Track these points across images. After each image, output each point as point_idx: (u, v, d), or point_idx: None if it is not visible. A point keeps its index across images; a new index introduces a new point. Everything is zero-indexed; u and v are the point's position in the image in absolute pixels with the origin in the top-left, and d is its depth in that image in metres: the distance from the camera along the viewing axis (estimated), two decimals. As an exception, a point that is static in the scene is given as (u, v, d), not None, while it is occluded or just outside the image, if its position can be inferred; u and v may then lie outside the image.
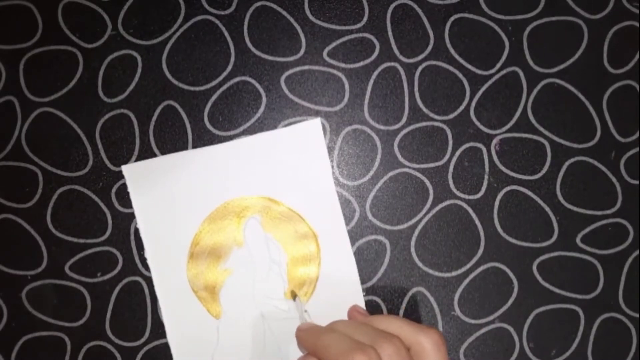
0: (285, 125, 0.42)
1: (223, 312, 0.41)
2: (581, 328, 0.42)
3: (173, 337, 0.41)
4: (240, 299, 0.41)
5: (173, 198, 0.41)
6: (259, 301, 0.41)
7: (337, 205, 0.42)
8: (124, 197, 0.42)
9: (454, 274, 0.42)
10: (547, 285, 0.42)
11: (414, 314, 0.42)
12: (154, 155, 0.42)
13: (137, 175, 0.41)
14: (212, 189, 0.41)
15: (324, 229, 0.41)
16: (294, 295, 0.41)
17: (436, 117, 0.43)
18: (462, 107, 0.43)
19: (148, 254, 0.41)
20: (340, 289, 0.41)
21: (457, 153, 0.42)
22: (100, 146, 0.42)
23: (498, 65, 0.43)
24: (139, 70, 0.42)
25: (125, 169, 0.41)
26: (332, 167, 0.42)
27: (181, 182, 0.41)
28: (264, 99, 0.42)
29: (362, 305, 0.41)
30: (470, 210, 0.42)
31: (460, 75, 0.43)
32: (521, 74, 0.43)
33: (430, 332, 0.31)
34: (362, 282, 0.41)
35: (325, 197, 0.42)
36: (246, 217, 0.41)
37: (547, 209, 0.42)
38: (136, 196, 0.41)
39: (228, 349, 0.41)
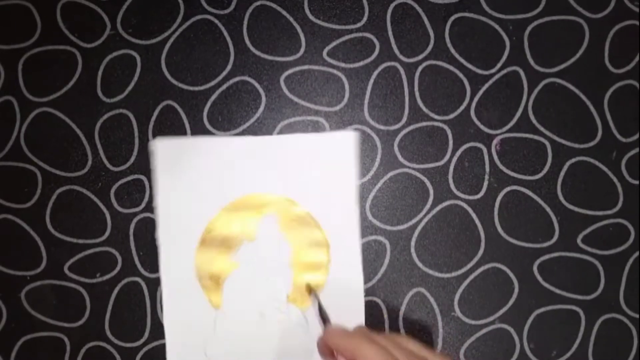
0: (286, 125, 0.42)
1: (223, 304, 0.41)
2: (582, 329, 0.42)
3: (169, 321, 0.41)
4: (242, 294, 0.41)
5: (196, 181, 0.41)
6: (260, 299, 0.41)
7: (356, 219, 0.41)
8: (123, 197, 0.41)
9: (454, 274, 0.42)
10: (547, 285, 0.42)
11: (414, 315, 0.41)
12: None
13: (167, 151, 0.41)
14: (236, 179, 0.41)
15: (338, 240, 0.41)
16: (309, 290, 0.40)
17: (436, 117, 0.42)
18: (462, 107, 0.42)
19: (160, 233, 0.41)
20: (342, 299, 0.41)
21: (458, 153, 0.42)
22: (99, 146, 0.42)
23: (499, 65, 0.43)
24: (138, 70, 0.42)
25: (158, 142, 0.41)
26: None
27: (207, 166, 0.41)
28: (264, 99, 0.42)
29: (362, 314, 0.41)
30: (471, 211, 0.42)
31: (460, 75, 0.42)
32: (522, 73, 0.43)
33: None
34: (362, 282, 0.41)
35: (346, 209, 0.41)
36: (264, 213, 0.41)
37: (547, 209, 0.42)
38: (161, 172, 0.41)
39: (223, 340, 0.41)
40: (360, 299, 0.41)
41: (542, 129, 0.42)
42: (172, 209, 0.41)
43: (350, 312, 0.41)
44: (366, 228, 0.42)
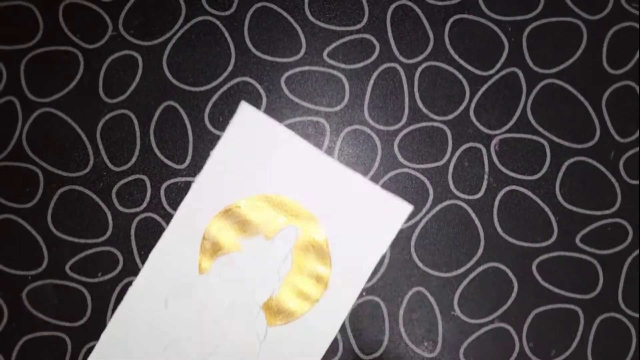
0: (286, 126, 0.42)
1: (207, 274, 0.41)
2: (581, 328, 0.42)
3: (152, 260, 0.41)
4: (228, 276, 0.41)
5: (251, 160, 0.41)
6: (240, 291, 0.41)
7: (367, 275, 0.41)
8: (125, 197, 0.42)
9: (453, 274, 0.42)
10: (546, 285, 0.42)
11: (413, 314, 0.42)
12: (154, 156, 0.42)
13: (245, 118, 0.42)
14: (287, 180, 0.41)
15: (338, 284, 0.41)
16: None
17: (436, 117, 0.43)
18: (461, 108, 0.43)
19: (194, 187, 0.41)
20: (307, 338, 0.41)
21: (457, 153, 0.42)
22: (101, 146, 0.42)
23: (497, 66, 0.43)
24: (140, 70, 0.42)
25: (244, 105, 0.42)
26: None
27: (270, 156, 0.41)
28: (264, 100, 0.42)
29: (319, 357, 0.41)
30: (470, 210, 0.42)
31: (460, 76, 0.43)
32: (521, 74, 0.43)
33: None
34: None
35: (365, 264, 0.41)
36: (291, 222, 0.41)
37: (546, 209, 0.42)
38: (228, 133, 0.41)
39: (188, 303, 0.41)
40: (323, 346, 0.41)
41: (540, 129, 0.43)
42: (213, 174, 0.41)
43: (305, 352, 0.41)
44: (366, 228, 0.42)
